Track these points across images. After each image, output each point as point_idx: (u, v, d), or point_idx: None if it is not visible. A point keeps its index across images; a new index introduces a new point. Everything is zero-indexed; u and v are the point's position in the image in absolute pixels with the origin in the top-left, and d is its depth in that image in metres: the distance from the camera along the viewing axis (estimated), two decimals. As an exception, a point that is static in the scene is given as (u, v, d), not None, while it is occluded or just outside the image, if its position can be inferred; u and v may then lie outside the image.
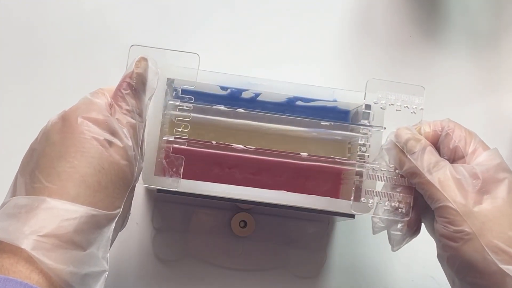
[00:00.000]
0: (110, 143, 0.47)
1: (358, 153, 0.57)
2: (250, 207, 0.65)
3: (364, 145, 0.57)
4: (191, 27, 0.70)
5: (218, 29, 0.70)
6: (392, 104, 0.57)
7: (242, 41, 0.70)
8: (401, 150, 0.54)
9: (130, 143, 0.48)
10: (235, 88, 0.59)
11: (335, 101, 0.59)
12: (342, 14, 0.71)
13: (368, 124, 0.57)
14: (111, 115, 0.48)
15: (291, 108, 0.61)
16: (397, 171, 0.55)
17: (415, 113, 0.56)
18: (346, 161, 0.58)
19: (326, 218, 0.66)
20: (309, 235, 0.67)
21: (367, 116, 0.58)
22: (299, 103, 0.60)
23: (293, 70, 0.70)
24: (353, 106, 0.60)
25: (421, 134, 0.54)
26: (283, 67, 0.70)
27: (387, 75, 0.70)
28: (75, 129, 0.46)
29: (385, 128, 0.57)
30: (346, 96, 0.59)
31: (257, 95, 0.60)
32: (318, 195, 0.59)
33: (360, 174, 0.57)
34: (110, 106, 0.49)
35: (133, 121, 0.49)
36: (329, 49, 0.71)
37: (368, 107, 0.58)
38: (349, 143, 0.61)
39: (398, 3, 0.72)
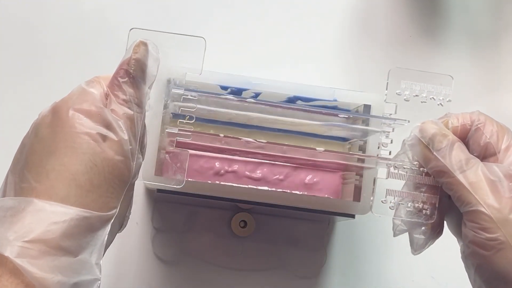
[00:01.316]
0: (103, 137, 0.43)
1: (381, 149, 0.53)
2: (250, 207, 0.65)
3: (386, 139, 0.53)
4: (191, 26, 0.70)
5: (218, 29, 0.70)
6: (416, 96, 0.52)
7: (242, 41, 0.70)
8: (426, 146, 0.49)
9: (125, 136, 0.44)
10: (235, 88, 0.59)
11: (335, 100, 0.59)
12: (342, 14, 0.71)
13: (389, 117, 0.53)
14: (106, 105, 0.45)
15: (291, 108, 0.61)
16: (421, 169, 0.51)
17: (442, 105, 0.52)
18: (366, 157, 0.55)
19: (326, 218, 0.66)
20: (309, 235, 0.67)
21: (368, 109, 0.57)
22: (299, 102, 0.60)
23: (293, 70, 0.70)
24: (353, 106, 0.60)
25: (448, 129, 0.50)
26: (283, 67, 0.70)
27: (386, 75, 0.70)
28: (65, 122, 0.43)
29: (409, 122, 0.53)
30: (346, 96, 0.59)
31: (257, 94, 0.59)
32: (321, 195, 0.59)
33: (360, 174, 0.57)
34: (106, 96, 0.45)
35: (131, 112, 0.45)
36: (329, 49, 0.71)
37: (367, 107, 0.58)
38: (349, 143, 0.61)
39: (398, 3, 0.72)
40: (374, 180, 0.52)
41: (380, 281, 0.68)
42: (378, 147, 0.54)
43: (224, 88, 0.59)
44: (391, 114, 0.53)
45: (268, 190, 0.59)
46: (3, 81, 0.67)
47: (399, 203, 0.51)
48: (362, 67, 0.70)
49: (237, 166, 0.60)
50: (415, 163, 0.51)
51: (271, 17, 0.71)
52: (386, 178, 0.52)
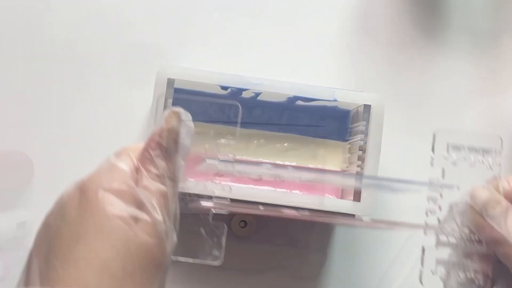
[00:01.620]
0: (135, 219, 0.40)
1: (427, 217, 0.49)
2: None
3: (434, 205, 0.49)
4: (192, 27, 0.70)
5: (218, 29, 0.70)
6: (464, 159, 0.49)
7: (242, 41, 0.70)
8: (478, 213, 0.46)
9: (159, 217, 0.40)
10: (236, 88, 0.59)
11: (335, 100, 0.59)
12: (342, 14, 0.71)
13: (437, 183, 0.49)
14: (137, 181, 0.41)
15: (291, 108, 0.61)
16: (472, 236, 0.47)
17: (491, 168, 0.48)
18: (413, 224, 0.50)
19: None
20: (309, 235, 0.67)
21: (365, 117, 0.57)
22: (299, 102, 0.60)
23: (293, 70, 0.70)
24: (353, 106, 0.60)
25: (499, 193, 0.46)
26: (283, 67, 0.69)
27: (387, 75, 0.70)
28: (94, 204, 0.39)
29: (458, 188, 0.48)
30: (346, 96, 0.59)
31: (257, 94, 0.59)
32: (321, 195, 0.59)
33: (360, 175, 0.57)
34: (137, 170, 0.42)
35: (164, 188, 0.42)
36: (329, 49, 0.71)
37: (367, 107, 0.58)
38: (349, 142, 0.61)
39: (398, 3, 0.72)
40: (423, 249, 0.48)
41: (380, 281, 0.67)
42: (426, 215, 0.49)
43: (224, 88, 0.59)
44: (438, 180, 0.49)
45: (268, 190, 0.59)
46: (3, 81, 0.67)
47: (449, 273, 0.48)
48: (362, 67, 0.70)
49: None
50: (466, 230, 0.48)
51: (271, 17, 0.71)
52: (436, 247, 0.48)
